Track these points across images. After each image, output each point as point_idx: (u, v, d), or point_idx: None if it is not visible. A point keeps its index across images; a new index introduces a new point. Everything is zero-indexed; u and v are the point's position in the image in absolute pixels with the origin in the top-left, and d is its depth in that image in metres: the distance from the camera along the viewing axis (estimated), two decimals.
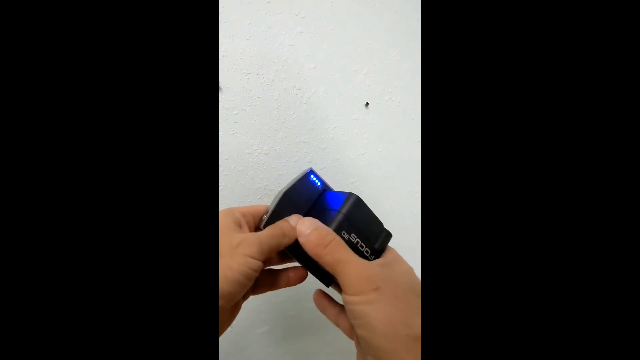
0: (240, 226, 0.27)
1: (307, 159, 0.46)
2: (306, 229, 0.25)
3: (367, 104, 0.47)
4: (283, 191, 0.30)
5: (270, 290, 0.30)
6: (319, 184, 0.31)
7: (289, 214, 0.28)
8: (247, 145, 0.43)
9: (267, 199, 0.45)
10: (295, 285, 0.30)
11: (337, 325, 0.28)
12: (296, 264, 0.30)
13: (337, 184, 0.48)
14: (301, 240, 0.25)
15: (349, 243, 0.25)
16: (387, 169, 0.50)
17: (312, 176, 0.31)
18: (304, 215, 0.28)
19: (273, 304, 0.47)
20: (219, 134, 0.41)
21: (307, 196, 0.30)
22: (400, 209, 0.52)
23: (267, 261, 0.30)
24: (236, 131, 0.42)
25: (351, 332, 0.26)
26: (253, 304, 0.46)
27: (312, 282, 0.48)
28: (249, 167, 0.43)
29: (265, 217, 0.29)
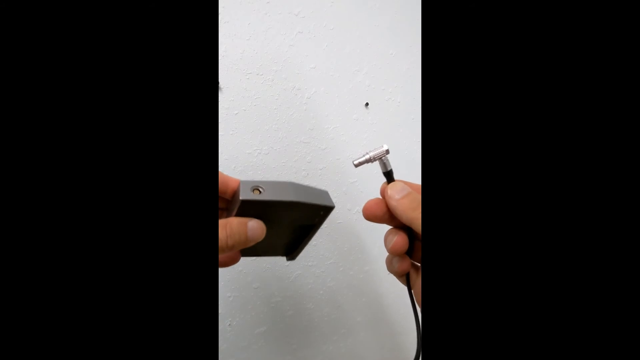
0: None
1: (307, 159, 0.46)
2: (397, 193, 0.25)
3: (367, 104, 0.47)
4: (295, 195, 0.25)
5: None
6: (316, 220, 0.27)
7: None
8: (247, 145, 0.43)
9: None
10: (226, 267, 0.28)
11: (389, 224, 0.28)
12: None
13: (337, 184, 0.48)
14: (392, 203, 0.26)
15: None
16: None
17: (322, 211, 0.27)
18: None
19: (271, 303, 0.47)
20: (219, 134, 0.41)
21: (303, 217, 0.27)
22: None
23: None
24: (236, 131, 0.42)
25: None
26: (251, 304, 0.46)
27: (309, 283, 0.49)
28: (249, 167, 0.43)
29: (249, 196, 0.23)
